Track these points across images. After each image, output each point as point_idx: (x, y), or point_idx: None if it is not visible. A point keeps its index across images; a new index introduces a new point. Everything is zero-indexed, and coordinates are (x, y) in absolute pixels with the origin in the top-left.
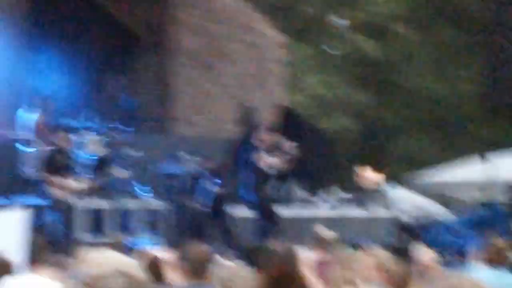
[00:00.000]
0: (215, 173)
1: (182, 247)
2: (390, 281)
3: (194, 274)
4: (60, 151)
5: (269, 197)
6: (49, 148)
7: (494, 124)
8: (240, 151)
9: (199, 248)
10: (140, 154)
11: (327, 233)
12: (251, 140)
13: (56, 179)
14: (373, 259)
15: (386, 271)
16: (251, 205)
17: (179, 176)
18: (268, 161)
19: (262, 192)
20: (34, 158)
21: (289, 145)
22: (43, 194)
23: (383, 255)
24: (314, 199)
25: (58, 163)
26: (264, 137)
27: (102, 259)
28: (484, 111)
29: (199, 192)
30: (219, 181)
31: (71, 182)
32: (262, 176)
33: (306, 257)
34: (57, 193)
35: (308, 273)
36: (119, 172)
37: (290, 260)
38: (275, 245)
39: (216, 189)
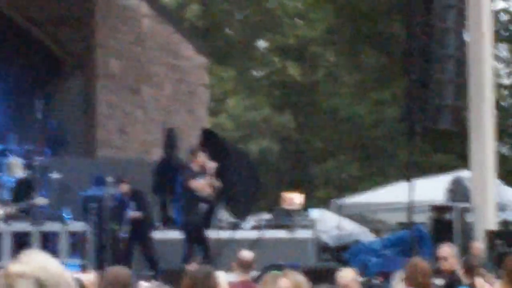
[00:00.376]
0: (132, 196)
1: (103, 270)
2: None
3: None
4: None
5: (198, 219)
6: None
7: (414, 146)
8: (165, 173)
9: (118, 270)
10: (61, 176)
11: (248, 255)
12: (177, 162)
13: None
14: (290, 282)
15: None
16: (180, 227)
17: (101, 199)
18: (197, 184)
19: (192, 215)
20: None
21: (213, 167)
22: None
23: (300, 279)
24: (239, 221)
25: None
26: (197, 159)
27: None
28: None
29: (118, 215)
30: (135, 204)
31: None
32: (192, 199)
33: (223, 279)
34: None
35: None
36: (39, 199)
37: (206, 282)
38: (193, 266)
39: (132, 213)
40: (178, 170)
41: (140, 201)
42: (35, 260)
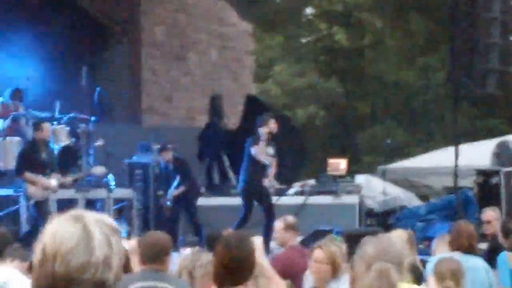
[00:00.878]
0: (175, 165)
1: (142, 235)
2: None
3: (151, 261)
4: (37, 144)
5: (267, 188)
6: (18, 139)
7: (460, 111)
8: (210, 140)
9: (157, 235)
10: (106, 143)
11: (291, 218)
12: (222, 129)
13: (32, 176)
14: (324, 253)
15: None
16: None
17: (147, 166)
18: (265, 152)
19: (259, 182)
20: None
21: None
22: (16, 186)
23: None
24: (285, 188)
25: (35, 158)
26: (268, 125)
27: None
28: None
29: (163, 182)
30: (179, 174)
31: (45, 180)
32: (260, 166)
33: (260, 244)
34: (31, 189)
35: (261, 259)
36: (97, 169)
37: (242, 246)
38: (228, 231)
39: (175, 191)
40: (225, 136)
41: (183, 171)
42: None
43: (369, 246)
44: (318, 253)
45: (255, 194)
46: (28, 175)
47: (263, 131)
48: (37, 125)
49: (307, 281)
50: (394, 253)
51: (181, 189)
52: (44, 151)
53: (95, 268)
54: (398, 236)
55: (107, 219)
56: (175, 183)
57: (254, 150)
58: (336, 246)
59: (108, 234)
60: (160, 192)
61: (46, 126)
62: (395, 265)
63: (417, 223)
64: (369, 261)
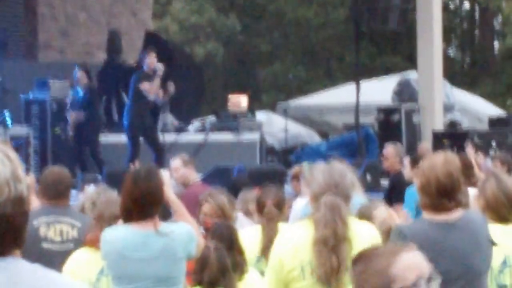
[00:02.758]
0: (87, 90)
1: (42, 171)
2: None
3: (53, 196)
4: None
5: (148, 122)
6: None
7: (362, 49)
8: (108, 76)
9: (57, 170)
10: (2, 79)
11: (186, 156)
12: (120, 65)
13: None
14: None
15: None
16: (127, 130)
17: (44, 102)
18: (150, 87)
19: (141, 117)
20: None
21: (160, 68)
22: None
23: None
24: (184, 125)
25: None
26: (148, 60)
27: None
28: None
29: (63, 118)
30: (88, 98)
31: None
32: (145, 101)
33: (168, 177)
34: None
35: (170, 193)
36: None
37: (151, 179)
38: (136, 166)
39: (74, 114)
40: (124, 73)
41: (92, 99)
42: None
43: (319, 176)
44: (206, 207)
45: (140, 131)
46: None
47: (145, 66)
48: None
49: None
50: (344, 185)
51: (81, 115)
52: None
53: (7, 187)
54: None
55: None
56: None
57: (143, 87)
58: (223, 196)
59: (3, 149)
60: (58, 130)
61: None
62: (344, 198)
63: (318, 160)
64: (319, 191)
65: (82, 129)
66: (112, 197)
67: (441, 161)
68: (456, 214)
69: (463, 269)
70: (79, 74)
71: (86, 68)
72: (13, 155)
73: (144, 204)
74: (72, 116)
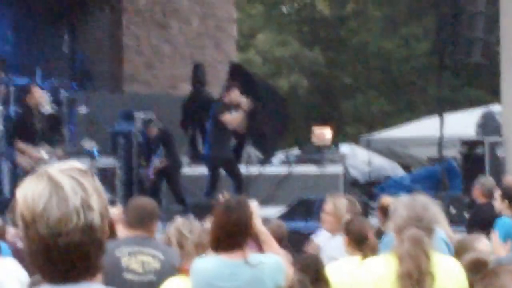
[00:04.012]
0: (161, 138)
1: (128, 201)
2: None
3: (137, 226)
4: (31, 110)
5: (228, 153)
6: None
7: (445, 81)
8: (193, 108)
9: (143, 200)
10: (88, 111)
11: None
12: (205, 97)
13: (23, 145)
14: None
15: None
16: (208, 161)
17: (129, 134)
18: (231, 117)
19: (221, 149)
20: None
21: (245, 102)
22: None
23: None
24: (269, 158)
25: (29, 125)
26: (229, 93)
27: None
28: (436, 69)
29: (146, 153)
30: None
31: (36, 152)
32: (225, 133)
33: (256, 207)
34: (21, 159)
35: (259, 223)
36: (86, 142)
37: (242, 210)
38: (226, 196)
39: (159, 161)
40: (209, 104)
41: (167, 143)
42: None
43: (402, 209)
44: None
45: (220, 162)
46: (20, 144)
47: (225, 98)
48: (25, 88)
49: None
50: (427, 218)
51: (164, 162)
52: (37, 118)
53: (76, 215)
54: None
55: (73, 163)
56: (157, 154)
57: (224, 118)
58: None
59: (77, 177)
60: (143, 162)
61: (36, 88)
62: (427, 232)
63: (402, 192)
64: (402, 225)
65: (164, 168)
66: (201, 227)
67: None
68: None
69: None
70: (149, 131)
71: (151, 122)
72: (88, 183)
73: (234, 234)
74: (157, 165)
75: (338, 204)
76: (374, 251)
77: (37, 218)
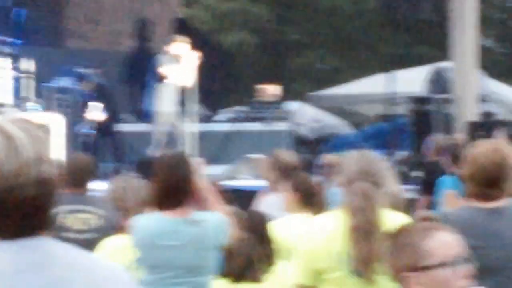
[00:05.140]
0: (97, 91)
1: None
2: None
3: (75, 185)
4: None
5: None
6: None
7: (395, 38)
8: (136, 64)
9: (80, 158)
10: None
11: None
12: (148, 52)
13: None
14: None
15: None
16: (151, 118)
17: (71, 91)
18: (173, 71)
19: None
20: None
21: (190, 57)
22: None
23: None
24: (212, 114)
25: None
26: (173, 47)
27: None
28: (386, 25)
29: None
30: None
31: None
32: (168, 87)
33: (197, 164)
34: None
35: (199, 179)
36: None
37: (183, 166)
38: (167, 153)
39: (95, 115)
40: (152, 60)
41: (107, 99)
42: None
43: (350, 163)
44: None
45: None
46: None
47: (169, 53)
48: None
49: None
50: (375, 173)
51: (102, 118)
52: None
53: (32, 166)
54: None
55: (24, 117)
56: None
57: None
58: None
59: (30, 129)
60: (82, 118)
61: None
62: (375, 186)
63: (350, 151)
64: (350, 179)
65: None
66: (143, 184)
67: (490, 149)
68: (503, 202)
69: (511, 257)
70: (84, 85)
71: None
72: (41, 136)
73: (175, 191)
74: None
75: (279, 161)
76: (322, 207)
77: None
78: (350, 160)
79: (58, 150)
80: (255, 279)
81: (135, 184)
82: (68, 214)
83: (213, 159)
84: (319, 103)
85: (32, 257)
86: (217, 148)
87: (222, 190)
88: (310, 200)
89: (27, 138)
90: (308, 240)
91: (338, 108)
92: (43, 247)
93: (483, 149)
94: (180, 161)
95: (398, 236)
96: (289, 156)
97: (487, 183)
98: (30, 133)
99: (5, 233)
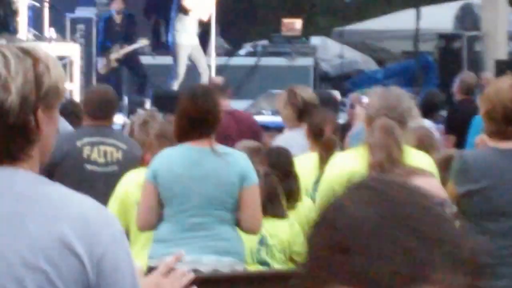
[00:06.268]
0: (124, 20)
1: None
2: None
3: (98, 116)
4: None
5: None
6: None
7: None
8: None
9: (103, 89)
10: None
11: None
12: None
13: None
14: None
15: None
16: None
17: (90, 20)
18: (196, 4)
19: (190, 36)
20: None
21: None
22: None
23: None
24: (234, 48)
25: None
26: None
27: None
28: None
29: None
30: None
31: None
32: (190, 20)
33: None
34: None
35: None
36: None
37: (208, 98)
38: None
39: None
40: None
41: (131, 28)
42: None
43: (374, 99)
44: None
45: (186, 49)
46: None
47: None
48: None
49: None
50: (399, 110)
51: (130, 47)
52: None
53: None
54: None
55: (24, 43)
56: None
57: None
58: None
59: (6, 55)
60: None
61: None
62: (399, 123)
63: (373, 88)
64: (373, 115)
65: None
66: (166, 117)
67: (508, 86)
68: None
69: None
70: (114, 4)
71: None
72: (17, 64)
73: (201, 123)
74: (122, 50)
75: (296, 97)
76: (329, 147)
77: None
78: (374, 96)
79: (74, 81)
80: (278, 214)
81: (156, 118)
82: (89, 147)
83: (233, 94)
84: (344, 39)
85: None
86: (238, 83)
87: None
88: (318, 137)
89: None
90: (329, 177)
91: (363, 44)
92: (2, 179)
93: (502, 85)
94: (206, 92)
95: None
96: (306, 92)
97: (505, 121)
98: (4, 59)
99: None
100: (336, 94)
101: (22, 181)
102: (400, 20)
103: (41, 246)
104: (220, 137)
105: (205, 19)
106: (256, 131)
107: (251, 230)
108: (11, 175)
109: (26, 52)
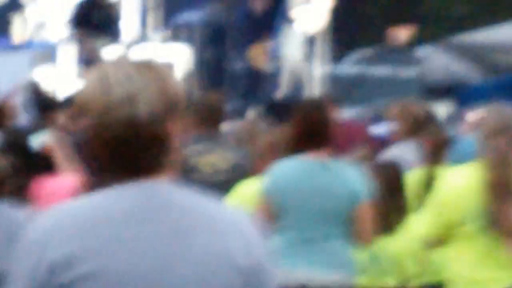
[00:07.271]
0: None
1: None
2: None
3: (206, 124)
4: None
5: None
6: None
7: None
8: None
9: (211, 96)
10: None
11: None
12: None
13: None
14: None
15: None
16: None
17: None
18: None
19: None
20: None
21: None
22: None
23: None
24: (341, 57)
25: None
26: None
27: None
28: None
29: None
30: None
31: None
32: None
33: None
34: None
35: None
36: None
37: (323, 110)
38: (306, 97)
39: None
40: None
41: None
42: None
43: (490, 116)
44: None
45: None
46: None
47: None
48: None
49: None
50: None
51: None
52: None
53: (119, 106)
54: None
55: (143, 58)
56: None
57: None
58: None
59: (131, 71)
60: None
61: None
62: None
63: (481, 101)
64: (488, 133)
65: None
66: (272, 127)
67: None
68: None
69: None
70: None
71: None
72: (142, 76)
73: (316, 135)
74: None
75: (406, 110)
76: (440, 162)
77: (84, 107)
78: (489, 114)
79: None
80: (387, 230)
81: (267, 126)
82: (197, 156)
83: (340, 102)
84: (453, 49)
85: (147, 203)
86: (343, 92)
87: (366, 135)
88: (438, 153)
89: (120, 77)
90: (442, 192)
91: (472, 55)
92: (157, 191)
93: None
94: (321, 104)
95: None
96: (420, 107)
97: None
98: (127, 73)
99: (114, 174)
100: (442, 107)
101: (181, 194)
102: None
103: (210, 261)
104: (332, 149)
105: (311, 32)
106: (367, 143)
107: (363, 245)
108: (167, 188)
109: (146, 65)
